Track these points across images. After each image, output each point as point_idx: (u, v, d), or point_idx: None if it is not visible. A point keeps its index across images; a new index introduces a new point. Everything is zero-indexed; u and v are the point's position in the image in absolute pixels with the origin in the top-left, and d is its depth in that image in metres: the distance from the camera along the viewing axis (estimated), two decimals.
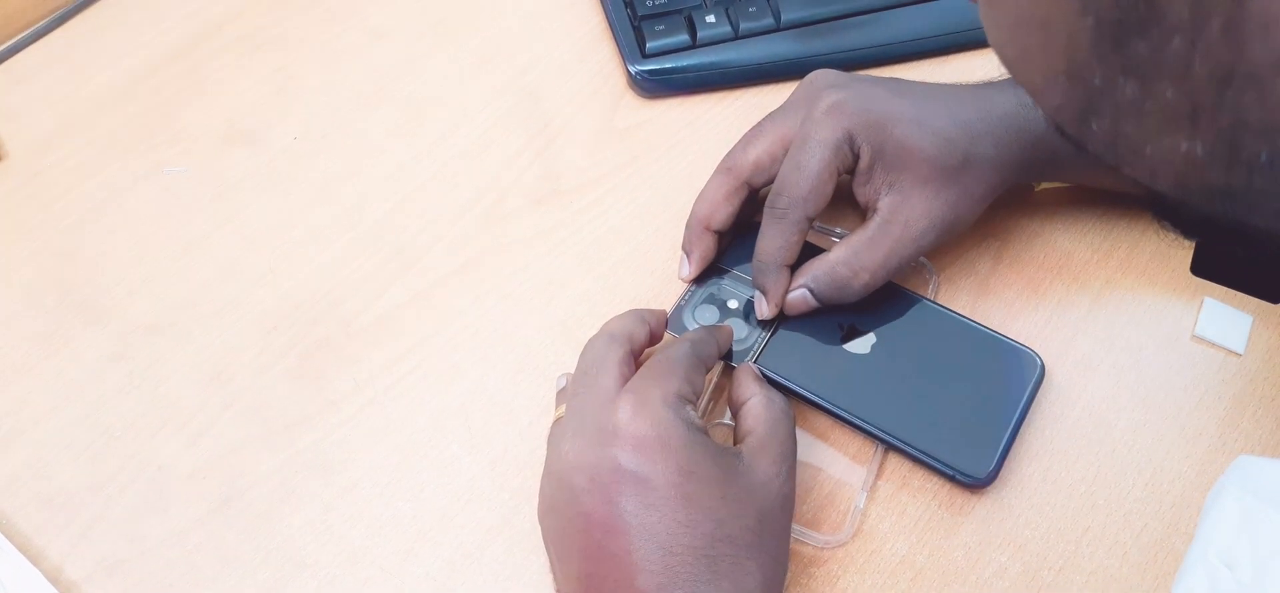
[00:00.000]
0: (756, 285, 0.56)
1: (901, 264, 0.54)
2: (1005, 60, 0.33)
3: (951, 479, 0.52)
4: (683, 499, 0.45)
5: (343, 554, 0.53)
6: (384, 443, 0.56)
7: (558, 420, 0.50)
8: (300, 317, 0.60)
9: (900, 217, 0.54)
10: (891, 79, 0.58)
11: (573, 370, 0.51)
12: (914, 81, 0.58)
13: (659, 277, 0.60)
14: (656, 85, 0.67)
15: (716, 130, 0.66)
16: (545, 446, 0.50)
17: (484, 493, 0.54)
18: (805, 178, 0.54)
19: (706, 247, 0.57)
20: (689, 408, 0.47)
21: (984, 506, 0.53)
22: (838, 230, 0.60)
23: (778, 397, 0.51)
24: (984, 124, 0.55)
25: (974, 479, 0.52)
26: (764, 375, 0.54)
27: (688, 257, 0.58)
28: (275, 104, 0.69)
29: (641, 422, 0.46)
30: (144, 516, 0.54)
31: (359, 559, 0.53)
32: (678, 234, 0.59)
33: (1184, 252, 0.59)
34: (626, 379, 0.48)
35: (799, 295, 0.55)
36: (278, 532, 0.54)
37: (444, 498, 0.54)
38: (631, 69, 0.67)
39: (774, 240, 0.55)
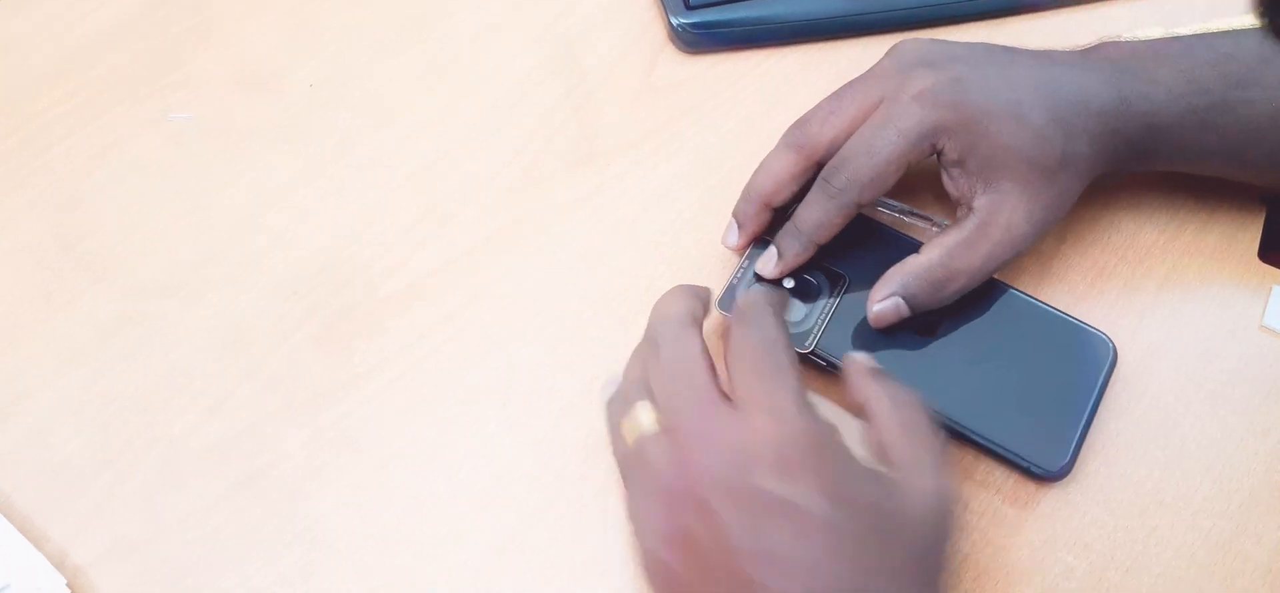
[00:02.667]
0: (775, 243, 0.53)
1: (999, 268, 0.51)
2: None
3: (1024, 472, 0.50)
4: (837, 530, 0.40)
5: (376, 537, 0.50)
6: (417, 420, 0.53)
7: (646, 437, 0.45)
8: (323, 281, 0.56)
9: (1000, 219, 0.50)
10: (984, 50, 0.53)
11: (621, 374, 0.47)
12: (1007, 53, 0.54)
13: (705, 247, 0.57)
14: (700, 39, 0.63)
15: (764, 90, 0.63)
16: (617, 468, 0.48)
17: (527, 474, 0.51)
18: (872, 164, 0.50)
19: (762, 223, 0.54)
20: (818, 411, 0.43)
21: (1049, 501, 0.51)
22: (905, 208, 0.57)
23: (904, 392, 0.46)
24: (1082, 120, 0.51)
25: (1048, 473, 0.49)
26: (820, 359, 0.51)
27: (739, 227, 0.54)
28: (291, 46, 0.64)
29: (782, 436, 0.42)
30: (157, 493, 0.51)
31: (393, 543, 0.50)
32: (724, 200, 0.56)
33: (1252, 236, 0.58)
34: (713, 373, 0.44)
35: (890, 305, 0.51)
36: (306, 512, 0.51)
37: (483, 480, 0.51)
38: (673, 21, 0.63)
39: (816, 215, 0.51)
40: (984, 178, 0.51)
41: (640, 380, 0.47)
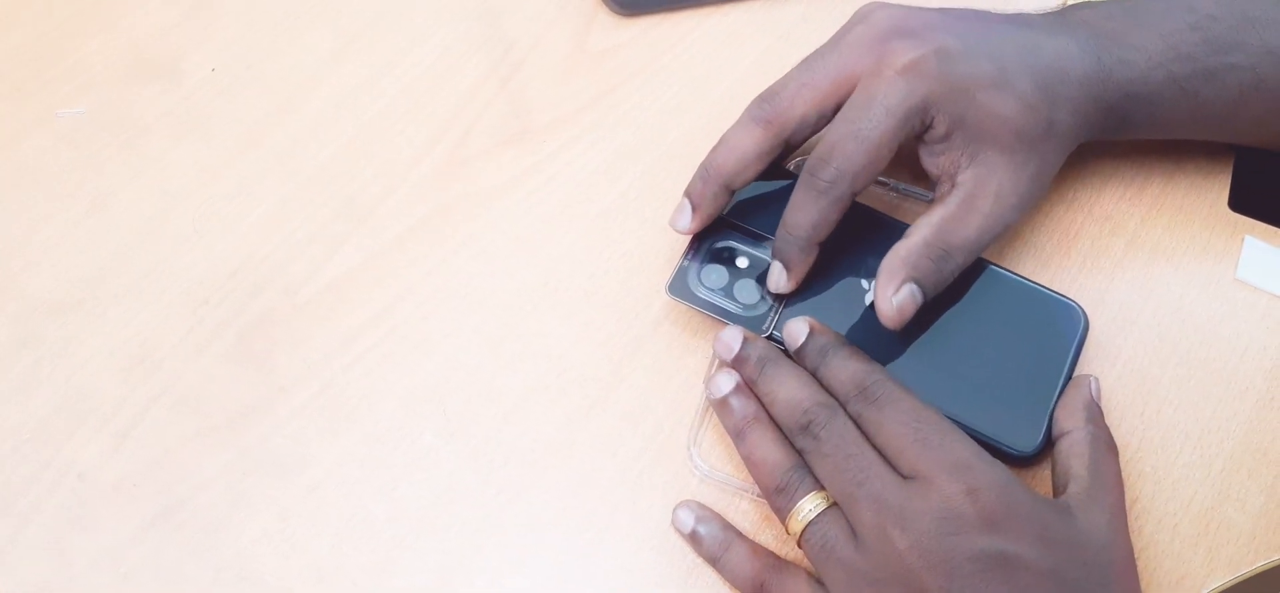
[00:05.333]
0: (777, 256, 0.49)
1: (991, 242, 0.48)
2: None
3: (996, 453, 0.47)
4: (1052, 572, 0.41)
5: (307, 568, 0.46)
6: (347, 435, 0.49)
7: (830, 534, 0.43)
8: (236, 286, 0.52)
9: (988, 190, 0.47)
10: (959, 16, 0.50)
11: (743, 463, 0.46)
12: (982, 20, 0.50)
13: (653, 227, 0.53)
14: (636, 0, 0.59)
15: (707, 52, 0.59)
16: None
17: (470, 489, 0.48)
18: (863, 150, 0.46)
19: (719, 205, 0.50)
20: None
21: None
22: (892, 183, 0.54)
23: (1106, 432, 0.46)
24: (1063, 88, 0.48)
25: (1022, 454, 0.47)
26: (778, 341, 0.48)
27: (693, 209, 0.50)
28: (188, 29, 0.59)
29: (976, 491, 0.41)
30: (66, 534, 0.47)
31: (327, 575, 0.46)
32: (670, 175, 0.52)
33: (1221, 186, 0.55)
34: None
35: (907, 294, 0.47)
36: (229, 544, 0.47)
37: (423, 497, 0.48)
38: None
39: (809, 214, 0.47)
40: (969, 151, 0.48)
41: (797, 467, 0.45)
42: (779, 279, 0.49)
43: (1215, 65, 0.50)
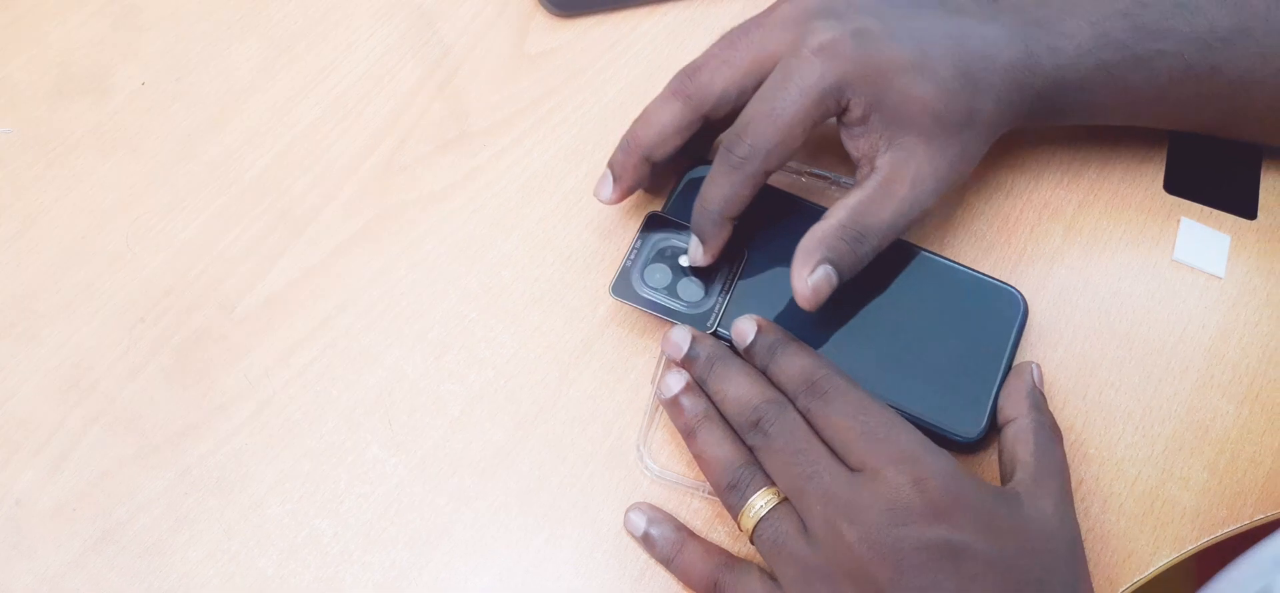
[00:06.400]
0: (694, 230, 0.49)
1: (907, 226, 0.48)
2: None
3: (941, 440, 0.47)
4: (998, 560, 0.41)
5: (254, 587, 0.45)
6: (290, 450, 0.48)
7: (780, 528, 0.43)
8: (171, 304, 0.51)
9: (905, 174, 0.47)
10: None
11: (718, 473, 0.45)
12: (910, 3, 0.50)
13: (596, 230, 0.53)
14: (574, 1, 0.59)
15: (646, 52, 0.58)
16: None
17: (417, 500, 0.47)
18: (776, 127, 0.46)
19: (640, 176, 0.50)
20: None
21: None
22: (803, 167, 0.54)
23: (1050, 419, 0.46)
24: (987, 74, 0.48)
25: (967, 439, 0.47)
26: (724, 338, 0.48)
27: (615, 180, 0.50)
28: (114, 42, 0.58)
29: (922, 481, 0.41)
30: (6, 560, 0.46)
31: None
32: None
33: (1156, 169, 0.56)
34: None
35: (821, 275, 0.46)
36: (172, 567, 0.46)
37: (369, 512, 0.47)
38: None
39: (723, 189, 0.48)
40: (887, 135, 0.48)
41: (748, 464, 0.45)
42: (695, 253, 0.49)
43: (1145, 51, 0.50)
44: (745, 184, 0.47)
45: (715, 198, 0.48)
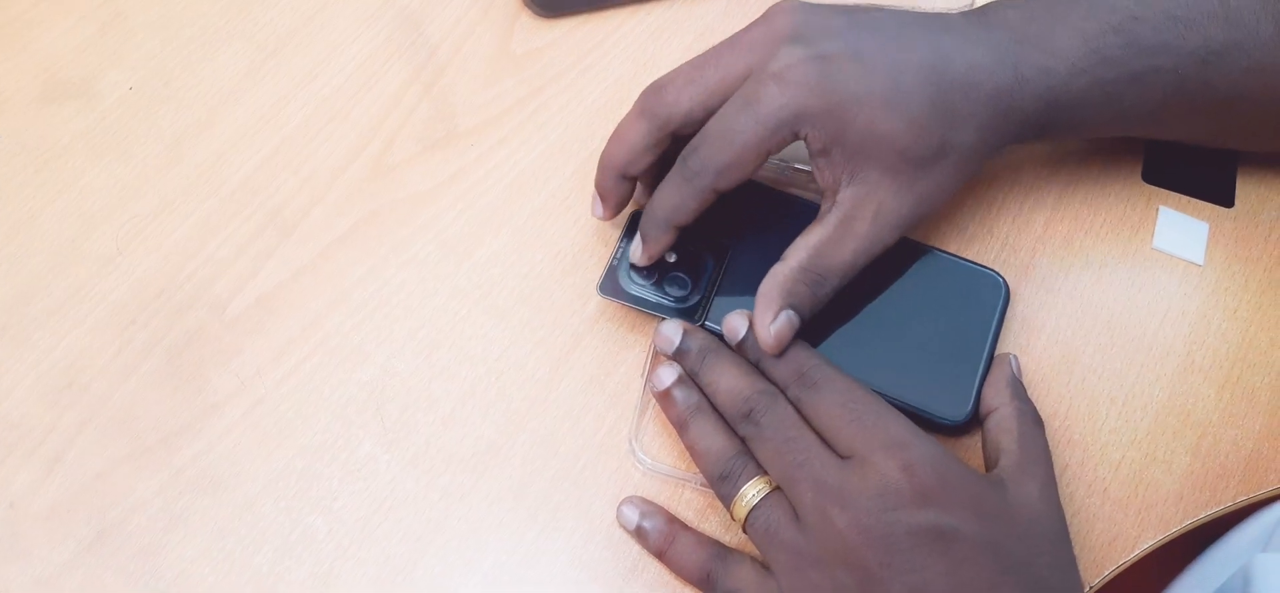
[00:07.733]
0: (640, 229, 0.49)
1: (870, 260, 0.48)
2: None
3: (927, 424, 0.48)
4: (987, 543, 0.41)
5: (248, 586, 0.45)
6: (283, 449, 0.48)
7: (772, 515, 0.43)
8: (163, 306, 0.51)
9: (866, 211, 0.47)
10: (868, 20, 0.48)
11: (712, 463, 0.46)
12: (894, 23, 0.48)
13: (584, 226, 0.53)
14: (558, 1, 0.59)
15: (630, 51, 0.59)
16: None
17: (411, 496, 0.47)
18: (730, 150, 0.46)
19: (622, 193, 0.50)
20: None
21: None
22: (790, 163, 0.54)
23: (1031, 407, 0.47)
24: (969, 105, 0.47)
25: (954, 422, 0.48)
26: (712, 331, 0.48)
27: (602, 199, 0.50)
28: (102, 47, 0.58)
29: (910, 466, 0.42)
30: (1, 564, 0.46)
31: (269, 590, 0.45)
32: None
33: (1134, 160, 0.57)
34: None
35: (784, 321, 0.46)
36: (167, 566, 0.46)
37: (363, 509, 0.47)
38: None
39: (672, 199, 0.48)
40: (849, 168, 0.47)
41: (739, 454, 0.45)
42: (635, 251, 0.50)
43: (1140, 68, 0.49)
44: (694, 198, 0.47)
45: (663, 205, 0.48)
